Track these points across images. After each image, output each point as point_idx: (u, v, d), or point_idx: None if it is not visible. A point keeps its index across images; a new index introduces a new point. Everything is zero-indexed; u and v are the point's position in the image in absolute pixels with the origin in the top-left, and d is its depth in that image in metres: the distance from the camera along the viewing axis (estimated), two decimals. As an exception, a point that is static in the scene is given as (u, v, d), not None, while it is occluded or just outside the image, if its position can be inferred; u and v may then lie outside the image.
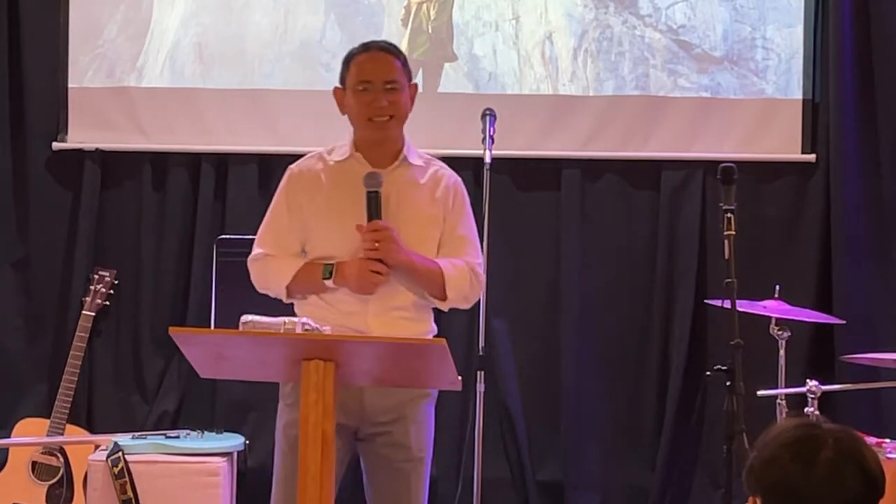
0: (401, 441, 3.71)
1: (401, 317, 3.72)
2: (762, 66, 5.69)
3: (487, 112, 4.97)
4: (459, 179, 3.88)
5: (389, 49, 3.82)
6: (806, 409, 4.57)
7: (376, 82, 3.73)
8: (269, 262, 3.80)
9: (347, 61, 3.82)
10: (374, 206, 3.65)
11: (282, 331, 3.34)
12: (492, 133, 4.92)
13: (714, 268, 5.58)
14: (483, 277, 3.84)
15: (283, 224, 3.79)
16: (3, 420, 5.68)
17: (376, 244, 3.62)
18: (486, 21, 5.74)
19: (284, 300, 3.83)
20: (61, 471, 5.36)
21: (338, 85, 3.84)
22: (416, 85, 3.85)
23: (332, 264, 3.69)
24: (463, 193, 3.85)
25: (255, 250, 3.83)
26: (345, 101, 3.81)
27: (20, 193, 5.85)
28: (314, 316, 3.61)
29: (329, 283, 3.69)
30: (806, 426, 2.33)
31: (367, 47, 3.82)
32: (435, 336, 3.79)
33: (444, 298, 3.74)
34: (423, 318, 3.79)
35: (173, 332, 3.41)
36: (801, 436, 2.30)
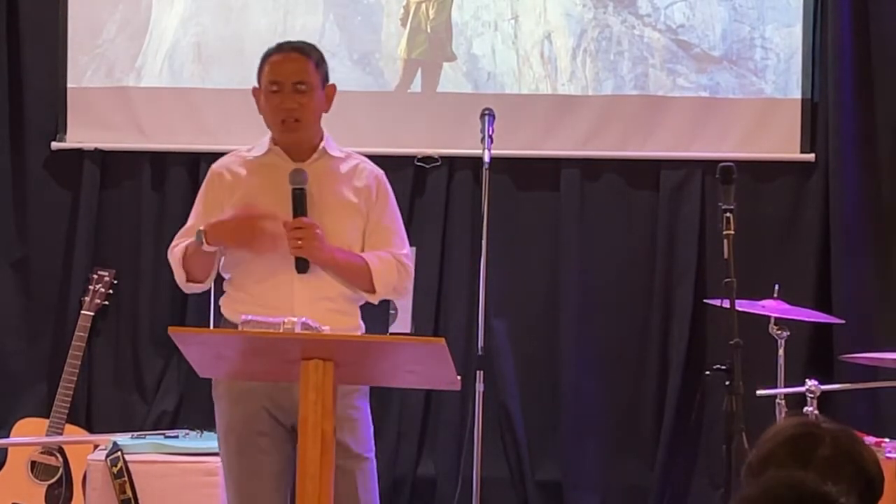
0: (337, 441, 3.62)
1: (329, 308, 3.70)
2: (761, 65, 5.69)
3: (486, 112, 4.96)
4: (382, 173, 3.89)
5: (302, 49, 3.81)
6: (805, 409, 4.58)
7: (286, 83, 3.74)
8: (170, 255, 3.81)
9: (262, 61, 3.83)
10: (299, 203, 3.68)
11: (281, 330, 3.34)
12: (491, 133, 4.91)
13: (713, 267, 5.57)
14: (411, 268, 3.85)
15: (200, 223, 3.77)
16: (2, 420, 5.67)
17: (299, 241, 3.64)
18: (485, 21, 5.74)
19: (196, 289, 3.83)
20: (60, 470, 5.36)
21: (255, 85, 3.84)
22: (333, 86, 3.84)
23: (202, 229, 3.67)
24: (386, 185, 3.86)
25: (172, 243, 3.83)
26: (259, 101, 3.83)
27: (19, 193, 5.84)
28: (237, 308, 3.65)
29: (206, 247, 3.68)
30: (804, 425, 2.33)
31: (280, 47, 3.82)
32: (363, 333, 3.79)
33: (373, 291, 3.75)
34: (352, 311, 3.79)
35: (172, 331, 3.41)
36: (799, 434, 2.30)
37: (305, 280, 3.69)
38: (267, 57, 3.81)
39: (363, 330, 3.81)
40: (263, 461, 3.66)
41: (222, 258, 3.79)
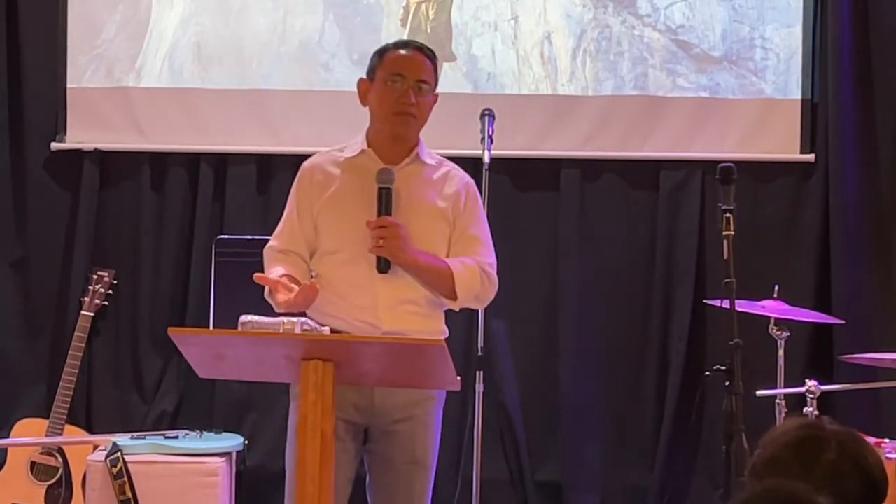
0: (406, 442, 3.70)
1: (411, 311, 3.70)
2: (761, 65, 5.69)
3: (486, 112, 4.96)
4: (472, 181, 3.87)
5: (425, 50, 3.82)
6: (805, 409, 4.58)
7: (409, 78, 3.73)
8: (269, 259, 3.80)
9: (381, 54, 3.81)
10: (384, 201, 3.65)
11: (281, 331, 3.34)
12: (491, 133, 4.91)
13: (713, 268, 5.58)
14: (495, 278, 3.79)
15: (294, 222, 3.79)
16: (1, 420, 5.68)
17: (381, 240, 3.62)
18: (485, 21, 5.74)
19: None
20: (60, 471, 5.36)
21: (363, 77, 3.83)
22: (437, 95, 3.84)
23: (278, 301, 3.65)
24: (475, 194, 3.84)
25: (270, 242, 3.84)
26: (369, 93, 3.80)
27: (19, 193, 5.84)
28: (324, 308, 3.64)
29: (278, 308, 3.65)
30: (809, 427, 2.32)
31: (406, 44, 3.84)
32: (447, 338, 3.74)
33: (454, 298, 3.73)
34: (436, 315, 3.77)
35: (172, 332, 3.41)
36: (804, 437, 2.29)
37: (389, 282, 3.66)
38: (387, 50, 3.80)
39: (446, 335, 3.77)
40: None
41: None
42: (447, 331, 3.81)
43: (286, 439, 3.75)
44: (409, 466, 3.69)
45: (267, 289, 3.70)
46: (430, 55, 3.81)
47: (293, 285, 3.63)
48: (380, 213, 3.64)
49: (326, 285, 3.70)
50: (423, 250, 3.68)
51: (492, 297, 3.82)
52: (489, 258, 3.78)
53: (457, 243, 3.76)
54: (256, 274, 3.67)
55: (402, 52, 3.78)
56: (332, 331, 3.53)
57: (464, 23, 5.75)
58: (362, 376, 3.52)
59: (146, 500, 4.97)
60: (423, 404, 3.72)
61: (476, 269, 3.73)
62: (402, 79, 3.72)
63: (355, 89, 3.84)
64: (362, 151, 3.78)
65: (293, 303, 3.60)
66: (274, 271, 3.71)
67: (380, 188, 3.66)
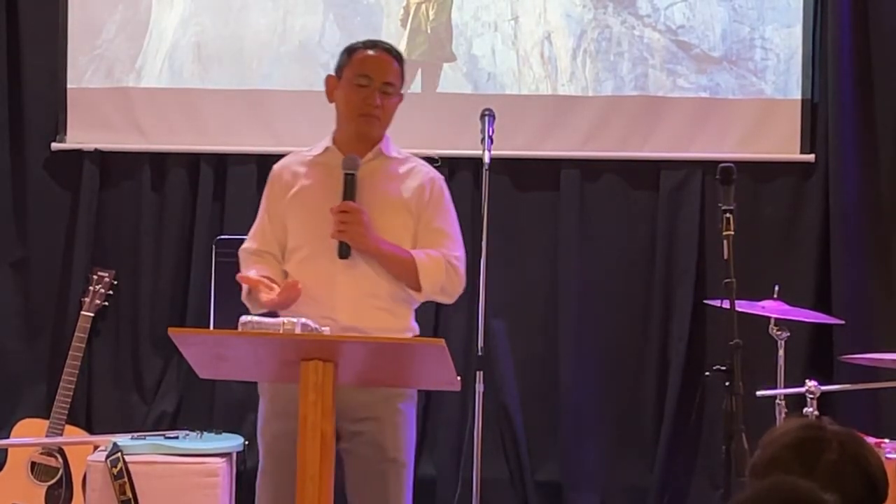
0: (376, 441, 3.68)
1: (374, 306, 3.70)
2: (761, 66, 5.69)
3: (486, 112, 4.96)
4: (439, 176, 3.89)
5: (392, 52, 3.85)
6: (805, 410, 4.58)
7: (375, 80, 3.77)
8: (244, 261, 3.85)
9: (349, 53, 3.85)
10: (349, 188, 3.69)
11: (281, 331, 3.34)
12: (491, 133, 4.91)
13: (713, 268, 5.58)
14: (463, 270, 3.80)
15: (265, 223, 3.85)
16: (2, 420, 5.68)
17: (343, 224, 3.65)
18: (485, 21, 5.74)
19: None
20: (60, 471, 5.36)
21: (332, 73, 3.86)
22: (402, 95, 3.87)
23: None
24: (441, 188, 3.85)
25: (245, 244, 3.89)
26: (336, 90, 3.84)
27: (19, 194, 5.85)
28: (293, 307, 3.63)
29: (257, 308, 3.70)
30: (810, 428, 2.32)
31: (373, 44, 3.86)
32: (416, 335, 3.78)
33: (418, 289, 3.73)
34: (402, 312, 3.77)
35: (172, 332, 3.41)
36: (805, 437, 2.29)
37: (349, 274, 3.68)
38: (354, 50, 3.83)
39: (416, 332, 3.79)
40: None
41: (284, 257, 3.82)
42: (417, 328, 3.81)
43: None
44: (381, 465, 3.68)
45: (246, 289, 3.73)
46: (398, 56, 3.85)
47: (274, 285, 3.66)
48: (345, 199, 3.68)
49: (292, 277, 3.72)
50: (386, 240, 3.69)
51: (460, 290, 3.82)
52: (456, 251, 3.79)
53: (423, 237, 3.78)
54: (239, 274, 3.70)
55: (370, 52, 3.82)
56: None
57: (464, 23, 5.75)
58: (362, 377, 3.52)
59: (146, 500, 4.97)
60: (390, 401, 3.69)
61: (441, 261, 3.74)
62: (368, 80, 3.76)
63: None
64: (326, 149, 3.83)
65: (276, 302, 3.63)
66: (250, 273, 3.73)
67: (345, 174, 3.70)
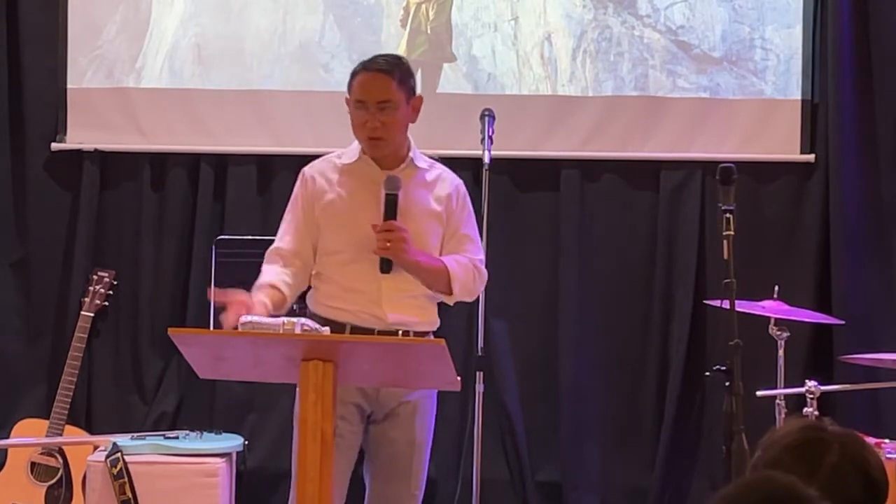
0: (408, 424, 3.90)
1: (413, 304, 3.92)
2: (761, 66, 5.69)
3: (486, 112, 4.96)
4: (461, 182, 4.09)
5: (386, 69, 3.92)
6: (805, 410, 4.58)
7: (370, 103, 3.88)
8: (267, 259, 3.96)
9: (352, 75, 3.98)
10: (390, 207, 3.85)
11: (281, 331, 3.34)
12: (491, 133, 4.92)
13: (713, 268, 5.58)
14: (485, 272, 4.05)
15: (299, 223, 3.97)
16: (1, 421, 5.67)
17: (388, 243, 3.80)
18: (485, 22, 5.74)
19: None
20: (60, 471, 5.36)
21: (347, 96, 3.98)
22: (420, 97, 4.00)
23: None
24: (465, 194, 4.06)
25: (275, 243, 4.00)
26: (350, 112, 3.98)
27: (19, 194, 5.84)
28: (329, 302, 3.86)
29: None
30: (811, 429, 2.31)
31: (366, 66, 3.95)
32: (438, 326, 4.00)
33: (450, 293, 3.93)
34: (431, 307, 3.99)
35: (172, 332, 3.42)
36: (806, 439, 2.28)
37: (390, 278, 3.85)
38: (355, 73, 3.95)
39: (439, 324, 4.01)
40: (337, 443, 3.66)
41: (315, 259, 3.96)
42: (439, 321, 4.02)
43: (290, 439, 3.76)
44: (409, 447, 3.92)
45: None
46: (394, 69, 3.92)
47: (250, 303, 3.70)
48: (386, 218, 3.84)
49: (329, 282, 3.91)
50: (421, 251, 3.88)
51: (481, 289, 4.14)
52: (479, 255, 4.05)
53: (449, 242, 3.99)
54: (215, 291, 3.78)
55: (364, 75, 3.92)
56: (337, 324, 3.75)
57: (464, 23, 5.75)
58: (362, 376, 3.53)
59: (146, 500, 4.97)
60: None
61: (470, 267, 3.97)
62: (363, 105, 3.89)
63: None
64: (359, 158, 3.97)
65: (227, 322, 3.65)
66: (262, 277, 3.88)
67: (387, 194, 3.86)
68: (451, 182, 4.03)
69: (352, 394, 3.79)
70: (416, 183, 3.96)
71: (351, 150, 3.99)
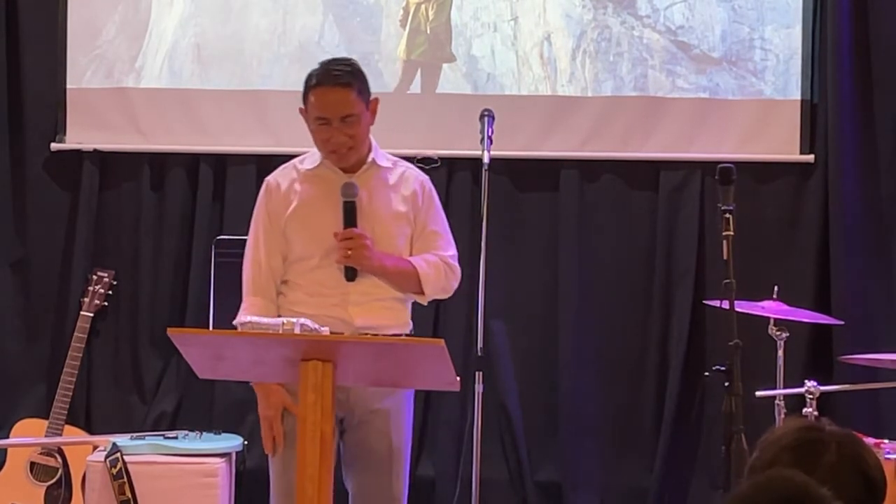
0: (383, 431, 3.85)
1: (383, 307, 3.87)
2: (760, 66, 5.69)
3: (486, 113, 4.96)
4: (427, 178, 4.05)
5: (345, 82, 3.85)
6: (804, 410, 4.58)
7: (333, 119, 3.83)
8: (251, 291, 3.91)
9: (306, 87, 3.90)
10: (349, 214, 3.82)
11: (280, 331, 3.35)
12: (490, 134, 4.91)
13: (713, 268, 5.58)
14: (457, 267, 4.00)
15: (268, 239, 3.93)
16: (1, 421, 5.68)
17: (349, 251, 3.77)
18: (485, 22, 5.74)
19: None
20: (60, 471, 5.36)
21: (301, 106, 3.93)
22: (376, 99, 3.94)
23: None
24: (430, 190, 4.01)
25: (244, 290, 3.92)
26: (307, 122, 3.92)
27: (18, 194, 5.84)
28: (295, 308, 3.80)
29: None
30: (809, 429, 2.32)
31: (325, 75, 3.87)
32: (412, 329, 3.96)
33: (422, 293, 3.91)
34: (402, 308, 3.95)
35: (172, 332, 3.42)
36: (804, 439, 2.29)
37: (357, 283, 3.83)
38: (310, 86, 3.88)
39: (411, 327, 3.97)
40: None
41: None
42: (411, 323, 3.98)
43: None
44: (387, 453, 3.86)
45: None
46: (351, 83, 3.85)
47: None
48: (346, 226, 3.81)
49: (296, 288, 3.89)
50: (388, 254, 3.85)
51: (455, 286, 4.03)
52: (449, 250, 3.99)
53: (418, 240, 3.95)
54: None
55: (321, 89, 3.84)
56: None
57: (463, 23, 5.75)
58: (362, 376, 3.53)
59: (146, 500, 4.97)
60: (397, 393, 3.87)
61: (440, 265, 3.92)
62: (326, 121, 3.83)
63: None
64: (321, 163, 3.93)
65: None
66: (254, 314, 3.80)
67: (345, 202, 3.82)
68: (415, 179, 3.98)
69: None
70: (379, 184, 3.92)
71: (313, 155, 3.96)
